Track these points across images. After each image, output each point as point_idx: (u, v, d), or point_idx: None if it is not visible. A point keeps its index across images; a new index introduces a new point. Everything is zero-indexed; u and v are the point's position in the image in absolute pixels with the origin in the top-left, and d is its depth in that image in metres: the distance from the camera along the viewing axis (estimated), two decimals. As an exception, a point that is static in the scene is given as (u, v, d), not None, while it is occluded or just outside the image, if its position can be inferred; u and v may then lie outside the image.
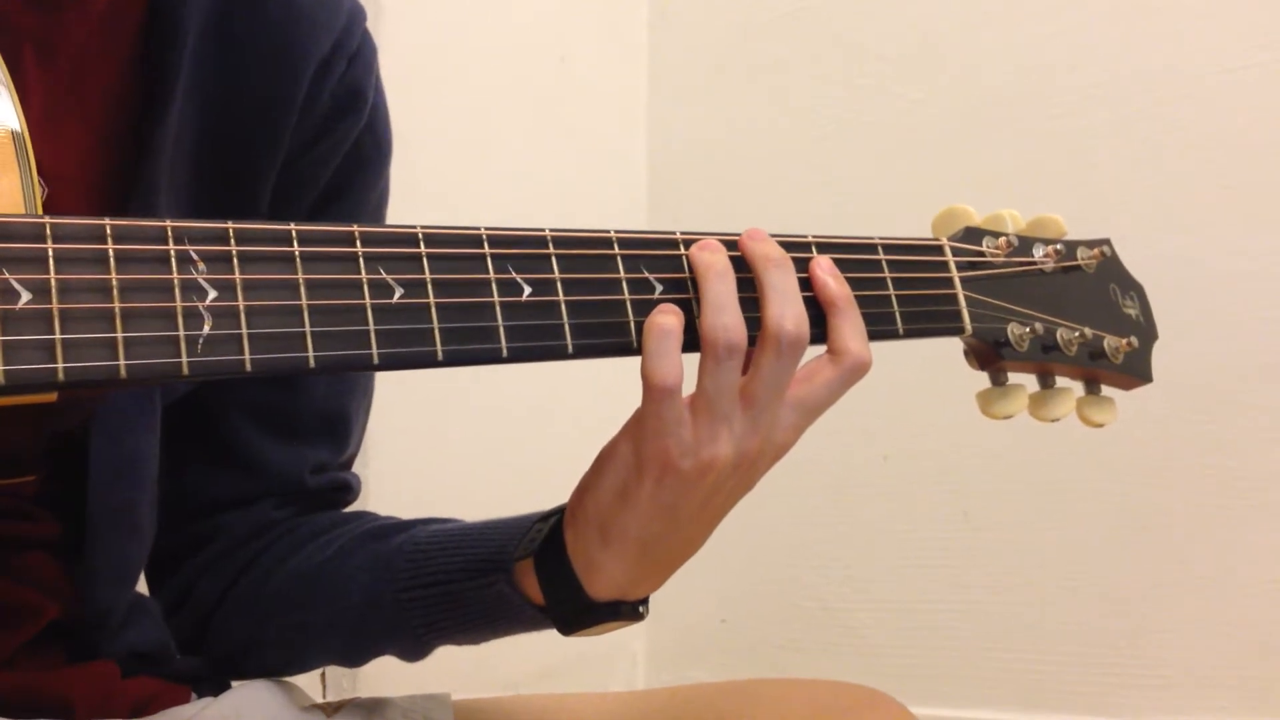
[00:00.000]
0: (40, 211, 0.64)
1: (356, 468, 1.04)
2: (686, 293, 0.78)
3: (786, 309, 0.78)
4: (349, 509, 1.02)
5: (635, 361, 0.76)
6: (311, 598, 0.92)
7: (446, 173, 1.77)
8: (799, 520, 2.00)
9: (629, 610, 0.81)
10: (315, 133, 0.91)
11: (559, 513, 0.82)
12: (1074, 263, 0.97)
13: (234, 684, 0.97)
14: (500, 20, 1.96)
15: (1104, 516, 1.81)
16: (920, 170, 1.95)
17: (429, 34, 1.77)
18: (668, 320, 0.75)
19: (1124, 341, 0.95)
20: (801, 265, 0.82)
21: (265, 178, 0.89)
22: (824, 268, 0.82)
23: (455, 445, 1.82)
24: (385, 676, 1.63)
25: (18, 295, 0.59)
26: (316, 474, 0.98)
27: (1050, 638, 1.84)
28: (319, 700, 0.96)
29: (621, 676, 2.09)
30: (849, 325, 0.81)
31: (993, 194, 1.89)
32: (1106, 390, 0.97)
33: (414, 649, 0.92)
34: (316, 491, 0.98)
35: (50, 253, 0.60)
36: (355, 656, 0.96)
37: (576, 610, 0.81)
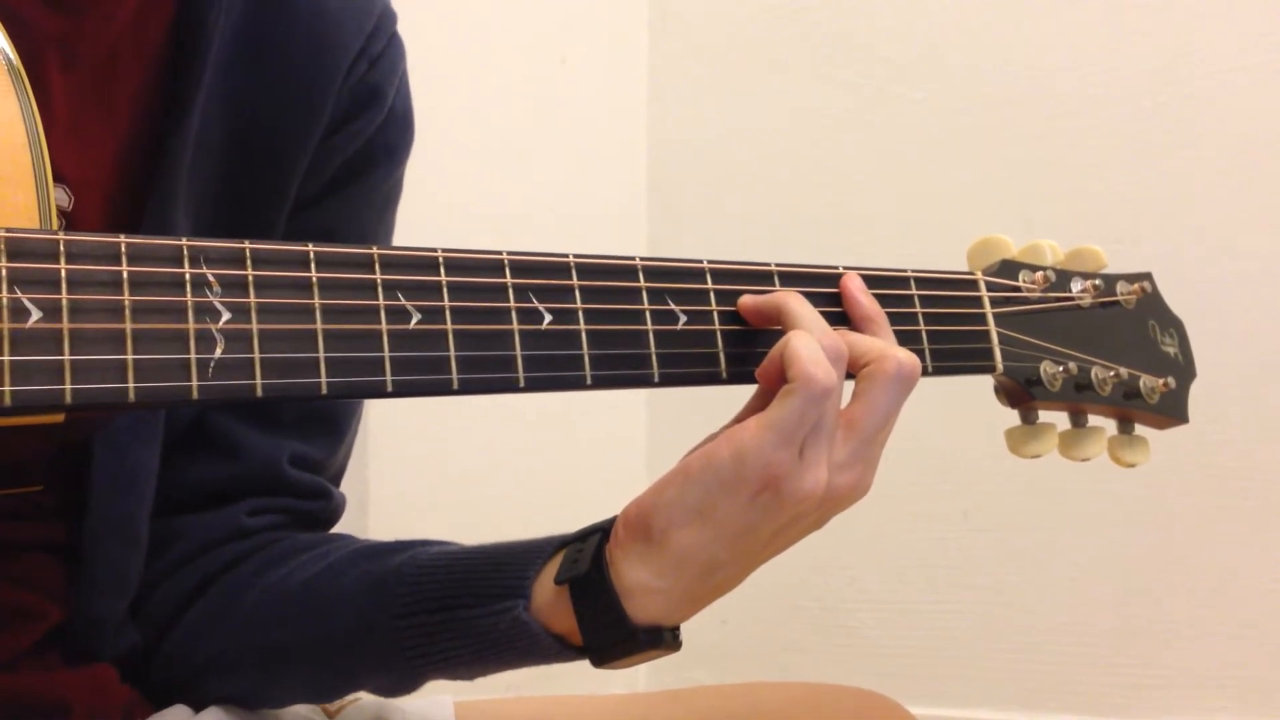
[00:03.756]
0: (56, 224, 0.64)
1: (355, 466, 1.01)
2: (711, 324, 0.77)
3: (898, 345, 0.78)
4: (334, 530, 0.97)
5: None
6: (293, 618, 0.86)
7: (446, 172, 1.77)
8: (799, 520, 2.00)
9: (670, 638, 0.77)
10: (331, 127, 0.90)
11: (597, 532, 0.78)
12: (1113, 298, 0.94)
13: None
14: (500, 20, 1.96)
15: (1104, 516, 1.81)
16: (920, 170, 1.95)
17: (429, 34, 1.76)
18: (806, 333, 0.74)
19: (1160, 382, 0.93)
20: (835, 299, 0.82)
21: (293, 176, 0.89)
22: (856, 285, 0.82)
23: (456, 446, 1.82)
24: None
25: (28, 314, 0.58)
26: (296, 467, 0.93)
27: (1050, 638, 1.84)
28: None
29: (621, 678, 2.09)
30: (890, 336, 0.80)
31: (992, 194, 1.90)
32: (1140, 430, 0.95)
33: (401, 682, 0.86)
34: (294, 486, 0.93)
35: (63, 273, 0.59)
36: (332, 690, 0.89)
37: (617, 638, 0.76)
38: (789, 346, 0.73)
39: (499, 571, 0.80)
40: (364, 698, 0.94)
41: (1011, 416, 0.92)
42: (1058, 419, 0.92)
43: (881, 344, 0.78)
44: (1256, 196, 1.74)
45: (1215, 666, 1.74)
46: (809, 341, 0.73)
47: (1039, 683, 1.85)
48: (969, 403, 1.74)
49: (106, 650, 0.87)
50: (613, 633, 0.76)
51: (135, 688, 0.89)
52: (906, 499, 1.93)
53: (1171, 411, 0.95)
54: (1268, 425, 1.72)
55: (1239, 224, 1.74)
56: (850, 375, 0.77)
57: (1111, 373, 0.91)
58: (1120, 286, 0.95)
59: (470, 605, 0.80)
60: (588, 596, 0.76)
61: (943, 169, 1.92)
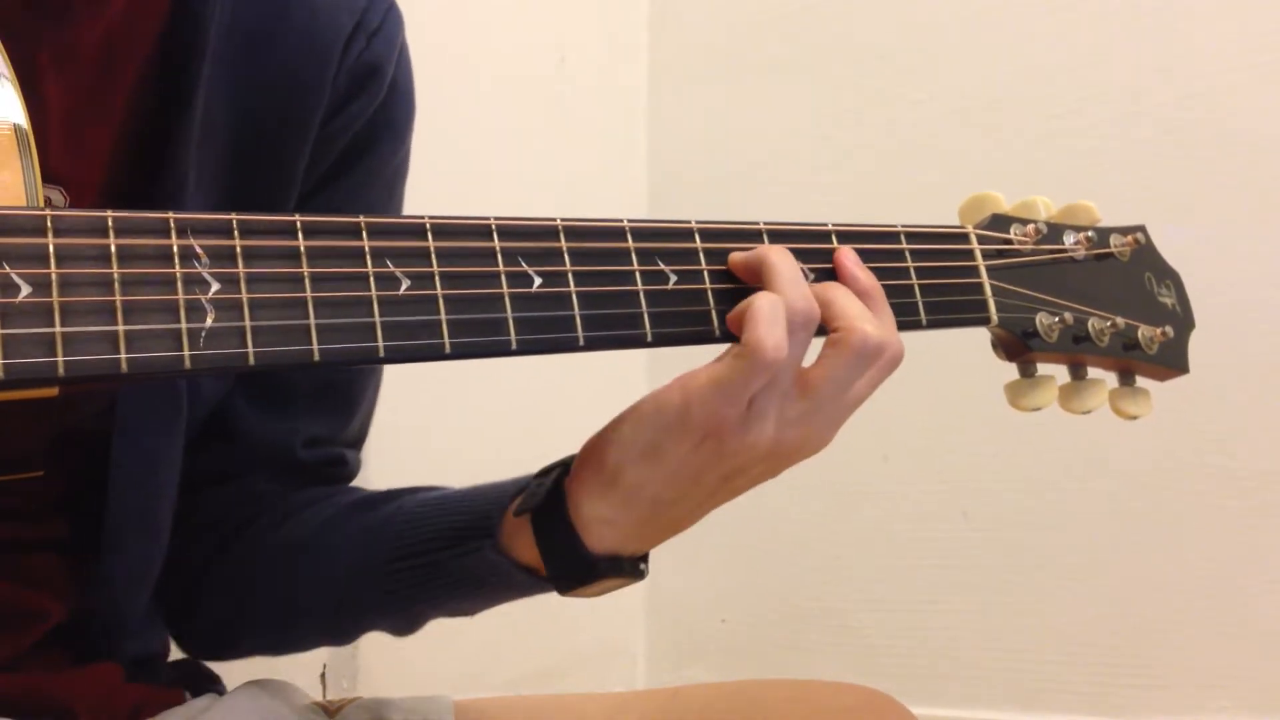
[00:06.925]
0: (42, 204, 0.64)
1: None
2: (701, 283, 0.77)
3: (889, 322, 0.79)
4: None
5: (640, 353, 0.74)
6: (298, 571, 0.91)
7: (446, 172, 1.77)
8: (799, 520, 2.00)
9: (630, 566, 0.80)
10: (333, 107, 0.90)
11: (559, 468, 0.81)
12: (1106, 250, 0.94)
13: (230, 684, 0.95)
14: (500, 20, 1.96)
15: (1104, 516, 1.81)
16: (920, 170, 1.95)
17: (428, 33, 1.77)
18: (775, 295, 0.75)
19: (1159, 331, 0.93)
20: (824, 255, 0.81)
21: (298, 160, 0.89)
22: (850, 259, 0.82)
23: (457, 442, 1.82)
24: (385, 677, 1.63)
25: (18, 289, 0.59)
26: (310, 448, 0.95)
27: (1050, 638, 1.84)
28: (319, 699, 0.95)
29: (621, 676, 2.09)
30: (883, 316, 0.80)
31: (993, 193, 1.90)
32: (1141, 381, 0.95)
33: (405, 622, 0.90)
34: (309, 466, 0.96)
35: (51, 248, 0.60)
36: (345, 632, 0.94)
37: (576, 567, 0.79)
38: (751, 307, 0.74)
39: (470, 513, 0.84)
40: (364, 697, 0.95)
41: (1007, 375, 0.92)
42: (1057, 372, 0.92)
43: (856, 313, 0.78)
44: (1256, 196, 1.74)
45: (1215, 666, 1.73)
46: (772, 306, 0.74)
47: (1039, 683, 1.84)
48: (969, 403, 1.74)
49: (122, 647, 0.88)
50: (573, 562, 0.79)
51: (145, 683, 0.90)
52: (906, 499, 1.93)
53: (1172, 362, 0.95)
54: (1268, 425, 1.72)
55: (1239, 224, 1.74)
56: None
57: (1108, 323, 0.91)
58: (1114, 239, 0.95)
59: (444, 547, 0.84)
60: (547, 528, 0.79)
61: (942, 169, 1.92)
